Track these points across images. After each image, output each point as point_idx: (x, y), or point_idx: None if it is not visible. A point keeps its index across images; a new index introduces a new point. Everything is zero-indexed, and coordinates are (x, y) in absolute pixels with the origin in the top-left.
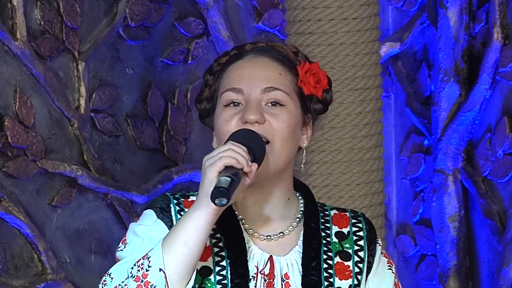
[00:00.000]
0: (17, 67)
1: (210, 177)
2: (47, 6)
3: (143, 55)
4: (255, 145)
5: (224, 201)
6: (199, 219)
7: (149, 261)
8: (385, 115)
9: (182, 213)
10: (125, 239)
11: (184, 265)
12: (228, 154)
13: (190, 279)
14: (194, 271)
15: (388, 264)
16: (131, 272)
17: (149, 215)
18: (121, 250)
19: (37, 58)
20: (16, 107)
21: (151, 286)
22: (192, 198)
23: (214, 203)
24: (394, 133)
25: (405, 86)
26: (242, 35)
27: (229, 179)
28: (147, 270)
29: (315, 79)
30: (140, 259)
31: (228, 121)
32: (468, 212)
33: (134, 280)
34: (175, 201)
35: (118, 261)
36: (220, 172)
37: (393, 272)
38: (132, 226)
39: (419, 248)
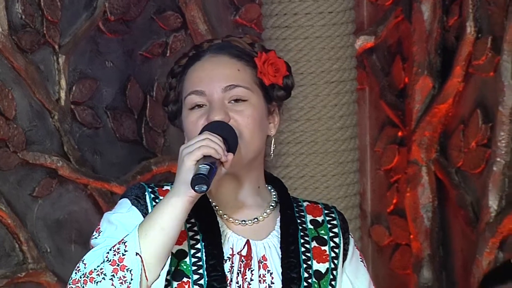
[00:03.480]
0: None
1: (188, 165)
2: (28, 0)
3: (123, 48)
4: (228, 135)
5: (204, 187)
6: (176, 206)
7: (125, 246)
8: (360, 107)
9: (157, 201)
10: (99, 228)
11: (160, 249)
12: (206, 144)
13: (165, 263)
14: (169, 255)
15: (360, 257)
16: (106, 257)
17: (124, 203)
18: (95, 238)
19: (18, 51)
20: None
21: (127, 269)
22: (166, 187)
23: (194, 190)
24: (369, 125)
25: (379, 79)
26: (220, 28)
27: (208, 167)
28: (123, 255)
29: (274, 69)
30: (116, 244)
31: (195, 123)
32: (442, 203)
33: (110, 264)
34: (150, 190)
35: (92, 248)
36: (197, 161)
37: (364, 265)
38: (106, 215)
39: (393, 238)
